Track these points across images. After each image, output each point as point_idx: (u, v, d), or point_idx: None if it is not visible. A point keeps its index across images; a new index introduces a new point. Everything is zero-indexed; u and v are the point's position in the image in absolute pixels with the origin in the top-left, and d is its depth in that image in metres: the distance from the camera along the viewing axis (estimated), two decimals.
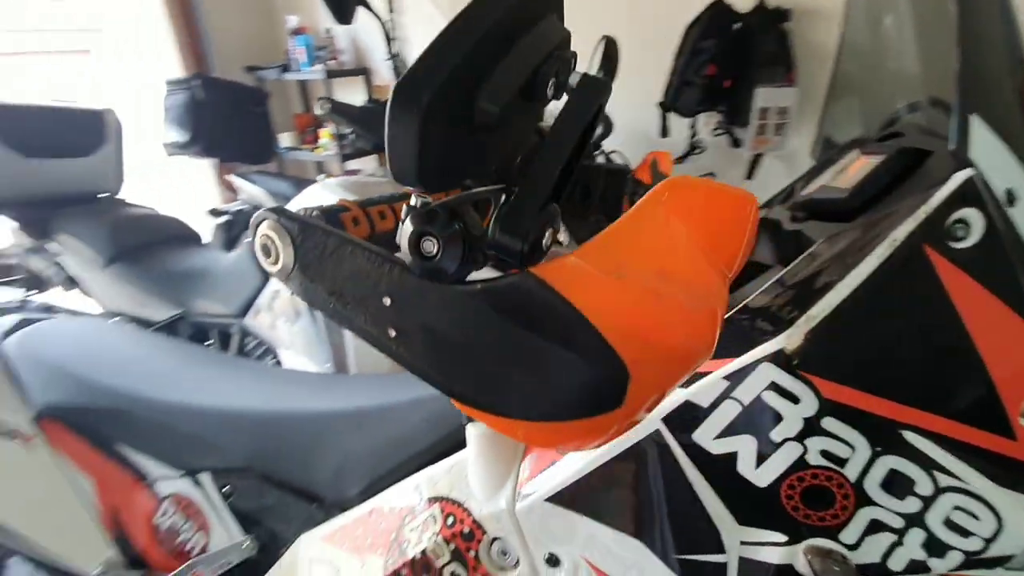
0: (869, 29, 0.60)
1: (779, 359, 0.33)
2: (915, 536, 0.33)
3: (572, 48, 0.29)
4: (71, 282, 1.71)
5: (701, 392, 0.35)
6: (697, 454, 0.36)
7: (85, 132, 1.73)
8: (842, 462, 0.33)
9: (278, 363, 1.41)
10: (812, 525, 0.34)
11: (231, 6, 3.24)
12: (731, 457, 0.35)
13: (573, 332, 0.25)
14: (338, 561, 0.52)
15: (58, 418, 0.70)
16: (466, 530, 0.43)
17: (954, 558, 0.33)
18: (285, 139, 3.25)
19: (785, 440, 0.33)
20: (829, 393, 0.33)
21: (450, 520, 0.44)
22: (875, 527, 0.33)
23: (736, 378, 0.34)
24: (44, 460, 0.70)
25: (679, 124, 2.00)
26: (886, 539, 0.33)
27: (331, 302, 0.29)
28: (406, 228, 0.26)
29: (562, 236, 0.47)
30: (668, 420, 0.36)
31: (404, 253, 0.26)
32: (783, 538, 0.35)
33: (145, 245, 1.63)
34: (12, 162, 1.56)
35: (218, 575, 0.62)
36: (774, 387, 0.33)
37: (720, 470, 0.35)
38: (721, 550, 0.36)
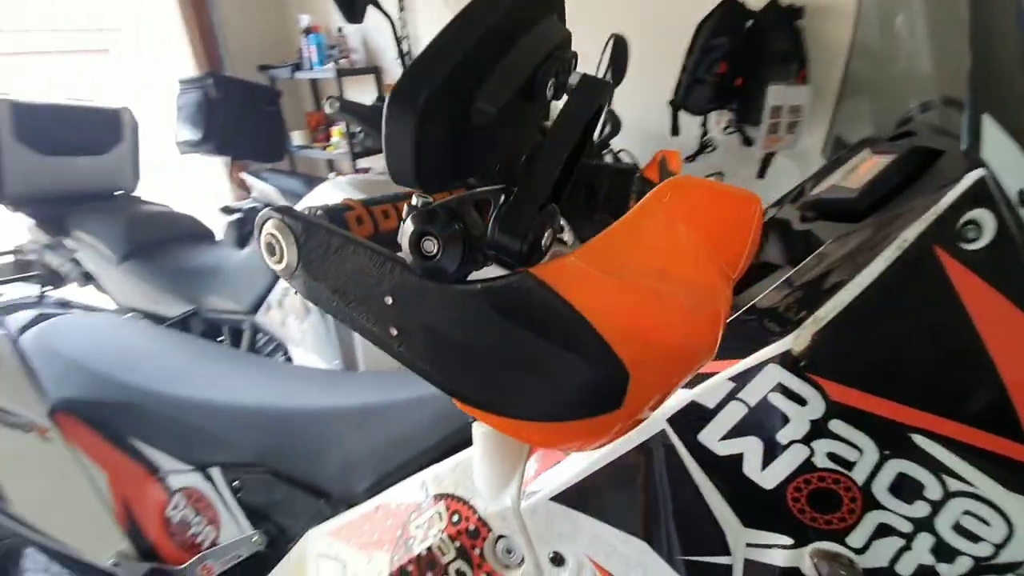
0: (881, 27, 0.60)
1: (786, 360, 0.33)
2: (924, 541, 0.33)
3: (574, 48, 0.29)
4: (87, 278, 1.74)
5: (707, 393, 0.35)
6: (702, 455, 0.35)
7: (102, 130, 1.76)
8: (849, 465, 0.33)
9: (288, 359, 1.42)
10: (819, 528, 0.34)
11: (244, 6, 3.27)
12: (737, 458, 0.35)
13: (572, 332, 0.25)
14: (345, 556, 0.52)
15: (73, 412, 0.71)
16: (471, 528, 0.44)
17: (963, 564, 0.32)
18: (297, 137, 3.28)
19: (791, 442, 0.33)
20: (837, 395, 0.32)
21: (455, 517, 0.45)
22: (883, 531, 0.33)
23: (742, 379, 0.34)
24: (59, 453, 0.72)
25: (690, 122, 1.98)
26: (894, 543, 0.33)
27: (334, 300, 0.29)
28: (407, 228, 0.26)
29: (567, 235, 0.46)
30: (673, 421, 0.36)
31: (405, 252, 0.26)
32: (789, 541, 0.34)
33: (159, 242, 1.66)
34: (30, 160, 1.59)
35: (227, 568, 0.63)
36: (781, 389, 0.33)
37: (726, 471, 0.35)
38: (726, 552, 0.36)
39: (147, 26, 3.18)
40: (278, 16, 3.41)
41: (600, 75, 1.60)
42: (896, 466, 0.32)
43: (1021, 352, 0.31)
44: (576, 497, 0.39)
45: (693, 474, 0.36)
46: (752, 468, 0.34)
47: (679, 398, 0.36)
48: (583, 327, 0.25)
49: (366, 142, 2.93)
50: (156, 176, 2.06)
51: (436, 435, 0.55)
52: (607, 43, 1.61)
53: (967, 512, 0.32)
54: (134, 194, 1.86)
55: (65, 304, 0.92)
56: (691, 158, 2.03)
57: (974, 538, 0.32)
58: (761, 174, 1.95)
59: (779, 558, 0.34)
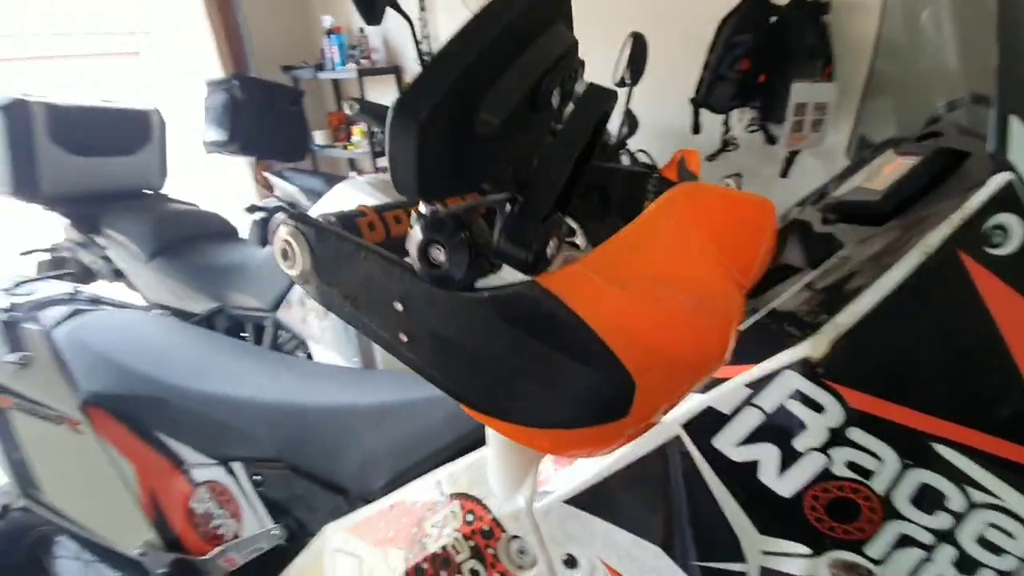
0: (908, 22, 0.58)
1: (803, 367, 0.32)
2: (945, 553, 0.32)
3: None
4: (118, 275, 1.79)
5: (722, 398, 0.35)
6: (717, 460, 0.35)
7: (132, 131, 1.81)
8: (869, 474, 0.32)
9: (309, 357, 1.45)
10: (836, 537, 0.33)
11: (269, 7, 3.32)
12: (752, 465, 0.34)
13: (578, 341, 0.25)
14: (362, 552, 0.53)
15: (102, 405, 0.73)
16: (485, 527, 0.44)
17: None
18: (319, 137, 3.33)
19: (809, 450, 0.33)
20: (856, 403, 0.32)
21: (470, 517, 0.45)
22: (903, 542, 0.32)
23: (759, 385, 0.34)
24: (90, 445, 0.74)
25: (711, 121, 1.96)
26: (914, 555, 0.32)
27: (346, 306, 0.30)
28: (414, 235, 0.26)
29: (579, 240, 0.46)
30: (689, 426, 0.36)
31: (413, 260, 0.27)
32: (806, 550, 0.34)
33: (186, 239, 1.69)
34: (64, 160, 1.64)
35: (248, 560, 0.65)
36: (798, 395, 0.33)
37: (741, 478, 0.35)
38: (741, 559, 0.35)
39: (176, 29, 3.25)
40: (301, 17, 3.46)
41: (619, 74, 1.59)
42: (917, 476, 0.32)
43: None
44: (590, 500, 0.39)
45: (708, 480, 0.35)
46: (768, 475, 0.34)
47: (694, 403, 0.35)
48: (589, 336, 0.25)
49: None
50: (183, 175, 2.11)
51: (452, 434, 0.56)
52: (626, 42, 1.59)
53: (991, 524, 0.31)
54: (162, 193, 1.91)
55: (97, 300, 0.95)
56: (712, 157, 2.00)
57: (997, 550, 0.31)
58: (785, 173, 1.91)
59: (796, 567, 0.34)
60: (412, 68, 3.20)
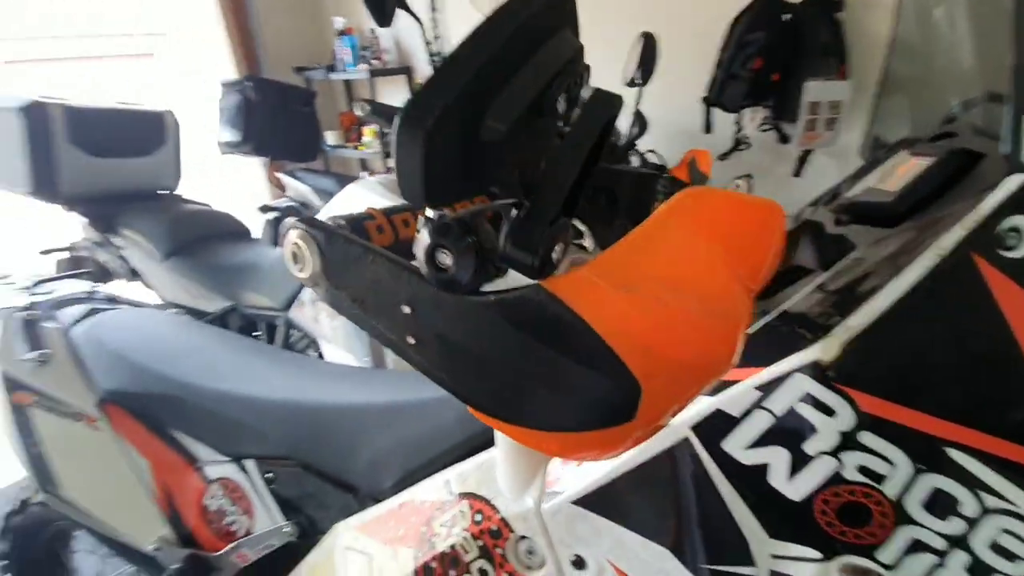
0: (923, 22, 0.57)
1: (814, 370, 0.32)
2: (958, 558, 0.32)
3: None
4: (134, 274, 1.82)
5: (732, 401, 0.34)
6: (727, 463, 0.35)
7: (148, 133, 1.83)
8: (881, 479, 0.32)
9: (320, 355, 1.46)
10: (847, 542, 0.33)
11: (282, 9, 3.35)
12: (762, 468, 0.34)
13: (584, 346, 0.25)
14: (372, 550, 0.54)
15: (119, 402, 0.75)
16: (494, 527, 0.44)
17: None
18: (331, 137, 3.35)
19: (820, 453, 0.32)
20: (867, 407, 0.32)
21: (478, 517, 0.45)
22: (915, 547, 0.32)
23: (768, 388, 0.33)
24: (107, 442, 0.75)
25: (723, 120, 1.94)
26: (927, 560, 0.32)
27: (355, 308, 0.30)
28: (421, 239, 0.27)
29: (587, 242, 0.46)
30: (698, 428, 0.36)
31: (420, 263, 0.27)
32: (816, 554, 0.34)
33: (200, 240, 1.72)
34: (82, 161, 1.67)
35: (260, 557, 0.66)
36: (808, 399, 0.32)
37: (750, 481, 0.34)
38: (751, 563, 0.35)
39: (190, 30, 3.30)
40: (313, 19, 3.48)
41: (629, 74, 1.59)
42: (930, 481, 0.31)
43: None
44: (598, 501, 0.39)
45: (717, 482, 0.35)
46: (778, 478, 0.34)
47: (704, 405, 0.35)
48: (595, 341, 0.25)
49: None
50: (197, 176, 2.13)
51: (461, 434, 0.56)
52: (636, 41, 1.59)
53: (1005, 530, 0.31)
54: (176, 193, 1.94)
55: (113, 299, 0.97)
56: (724, 156, 1.98)
57: (1012, 557, 0.31)
58: (798, 172, 1.89)
59: (806, 571, 0.34)
60: (423, 69, 3.21)
